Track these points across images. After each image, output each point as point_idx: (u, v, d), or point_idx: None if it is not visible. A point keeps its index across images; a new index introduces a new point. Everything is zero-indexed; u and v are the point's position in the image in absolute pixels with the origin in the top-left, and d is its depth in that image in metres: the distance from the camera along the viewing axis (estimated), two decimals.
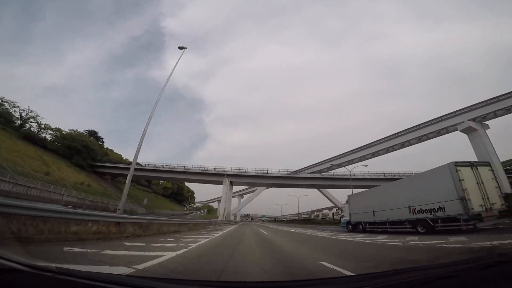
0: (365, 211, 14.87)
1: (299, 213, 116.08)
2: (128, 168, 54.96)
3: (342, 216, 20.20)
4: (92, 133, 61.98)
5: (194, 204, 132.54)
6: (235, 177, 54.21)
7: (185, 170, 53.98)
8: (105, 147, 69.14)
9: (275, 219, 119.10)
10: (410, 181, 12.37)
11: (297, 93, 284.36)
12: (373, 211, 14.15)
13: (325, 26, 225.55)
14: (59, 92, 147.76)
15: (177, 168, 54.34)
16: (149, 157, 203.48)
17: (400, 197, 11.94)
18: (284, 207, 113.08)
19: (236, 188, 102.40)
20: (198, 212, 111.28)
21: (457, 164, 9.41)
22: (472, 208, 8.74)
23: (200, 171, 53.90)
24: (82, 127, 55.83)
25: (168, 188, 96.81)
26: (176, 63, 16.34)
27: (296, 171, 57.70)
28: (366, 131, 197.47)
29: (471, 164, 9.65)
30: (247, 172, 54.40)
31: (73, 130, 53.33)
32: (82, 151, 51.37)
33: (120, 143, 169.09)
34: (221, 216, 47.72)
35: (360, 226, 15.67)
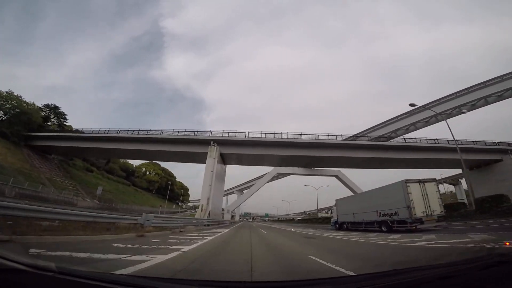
0: (348, 213, 19.36)
1: (304, 212, 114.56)
2: (73, 138, 42.94)
3: (332, 217, 24.17)
4: (52, 108, 53.34)
5: (188, 201, 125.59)
6: (228, 147, 37.56)
7: (148, 137, 38.63)
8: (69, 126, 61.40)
9: (278, 218, 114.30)
10: (378, 191, 16.63)
11: (298, 93, 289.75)
12: (353, 213, 18.31)
13: (325, 27, 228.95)
14: (60, 93, 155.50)
15: (137, 134, 39.15)
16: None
17: (371, 203, 16.23)
18: (286, 206, 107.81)
19: (233, 182, 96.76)
20: (193, 211, 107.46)
21: (407, 181, 13.60)
22: (415, 214, 12.80)
23: (173, 138, 37.98)
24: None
25: (155, 182, 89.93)
26: None
27: (350, 137, 41.43)
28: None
29: (419, 181, 13.47)
30: (248, 137, 37.17)
31: (6, 91, 45.10)
32: (10, 115, 43.51)
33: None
34: (200, 213, 31.75)
35: (344, 225, 20.03)
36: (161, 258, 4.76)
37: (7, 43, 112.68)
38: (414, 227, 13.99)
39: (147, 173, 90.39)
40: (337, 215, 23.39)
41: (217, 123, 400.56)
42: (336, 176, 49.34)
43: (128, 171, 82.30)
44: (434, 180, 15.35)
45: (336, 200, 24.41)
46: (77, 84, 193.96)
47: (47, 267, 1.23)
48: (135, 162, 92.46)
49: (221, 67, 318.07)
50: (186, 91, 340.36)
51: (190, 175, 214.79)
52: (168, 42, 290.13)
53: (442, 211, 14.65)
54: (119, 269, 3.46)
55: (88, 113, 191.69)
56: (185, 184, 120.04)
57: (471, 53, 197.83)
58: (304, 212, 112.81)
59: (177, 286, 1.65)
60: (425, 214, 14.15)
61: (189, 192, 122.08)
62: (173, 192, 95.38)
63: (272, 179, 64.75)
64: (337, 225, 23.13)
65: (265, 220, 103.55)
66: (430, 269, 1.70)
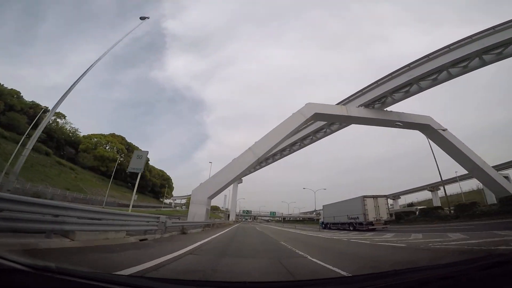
0: (330, 216, 26.70)
1: (315, 211, 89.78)
2: None
3: (320, 219, 31.46)
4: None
5: (171, 195, 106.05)
6: None
7: None
8: None
9: (284, 218, 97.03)
10: (349, 201, 24.40)
11: (298, 95, 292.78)
12: (334, 217, 25.39)
13: (325, 29, 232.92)
14: (61, 93, 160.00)
15: None
16: (149, 156, 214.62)
17: (344, 209, 23.70)
18: (290, 205, 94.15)
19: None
20: (176, 208, 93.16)
21: (365, 197, 20.83)
22: (368, 219, 19.65)
23: None
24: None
25: (109, 160, 63.67)
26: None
27: None
28: (367, 134, 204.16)
29: (373, 196, 20.54)
30: None
31: None
32: None
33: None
34: None
35: (328, 225, 26.80)
36: None
37: (10, 44, 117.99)
38: (367, 227, 21.11)
39: (105, 146, 67.07)
40: (323, 217, 30.69)
41: (217, 123, 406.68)
42: (426, 127, 29.32)
43: (71, 141, 62.56)
44: (385, 196, 22.50)
45: (323, 206, 31.71)
46: (78, 85, 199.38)
47: (47, 267, 1.26)
48: (85, 131, 70.49)
49: (221, 68, 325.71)
50: (187, 92, 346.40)
51: (188, 174, 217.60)
52: (169, 43, 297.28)
53: (388, 217, 21.88)
54: None
55: (88, 113, 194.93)
56: (184, 183, 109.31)
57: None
58: (315, 211, 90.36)
59: (177, 286, 1.67)
60: (375, 219, 21.36)
61: (172, 184, 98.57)
62: (144, 180, 66.88)
63: (301, 140, 37.85)
64: (323, 225, 30.40)
65: (268, 221, 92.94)
66: (430, 269, 1.76)
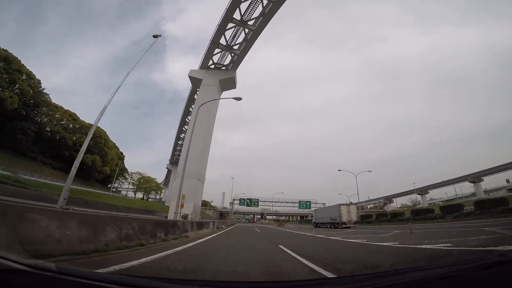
0: (319, 217, 36.02)
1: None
2: None
3: (313, 220, 40.57)
4: None
5: (126, 177, 77.13)
6: None
7: None
8: None
9: (309, 218, 66.49)
10: (330, 207, 33.14)
11: (297, 95, 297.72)
12: (322, 218, 34.46)
13: (324, 30, 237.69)
14: (61, 95, 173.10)
15: None
16: (150, 158, 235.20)
17: (328, 213, 32.61)
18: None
19: None
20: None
21: (340, 204, 29.47)
22: (342, 220, 28.51)
23: None
24: None
25: None
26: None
27: None
28: (365, 133, 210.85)
29: (347, 204, 29.44)
30: None
31: None
32: None
33: (120, 145, 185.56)
34: None
35: (318, 225, 35.88)
36: None
37: (9, 46, 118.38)
38: (341, 226, 29.83)
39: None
40: (315, 218, 39.70)
41: (216, 125, 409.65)
42: None
43: None
44: (355, 204, 31.20)
45: (314, 210, 40.76)
46: (79, 86, 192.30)
47: (47, 267, 1.27)
48: None
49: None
50: (187, 93, 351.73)
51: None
52: (169, 46, 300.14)
53: (357, 219, 30.51)
54: None
55: (89, 114, 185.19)
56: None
57: (469, 54, 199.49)
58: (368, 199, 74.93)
59: (177, 286, 1.69)
60: (347, 220, 30.17)
61: (113, 152, 64.37)
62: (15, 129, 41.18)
63: None
64: (315, 225, 39.33)
65: (278, 221, 63.31)
66: (430, 269, 1.76)
